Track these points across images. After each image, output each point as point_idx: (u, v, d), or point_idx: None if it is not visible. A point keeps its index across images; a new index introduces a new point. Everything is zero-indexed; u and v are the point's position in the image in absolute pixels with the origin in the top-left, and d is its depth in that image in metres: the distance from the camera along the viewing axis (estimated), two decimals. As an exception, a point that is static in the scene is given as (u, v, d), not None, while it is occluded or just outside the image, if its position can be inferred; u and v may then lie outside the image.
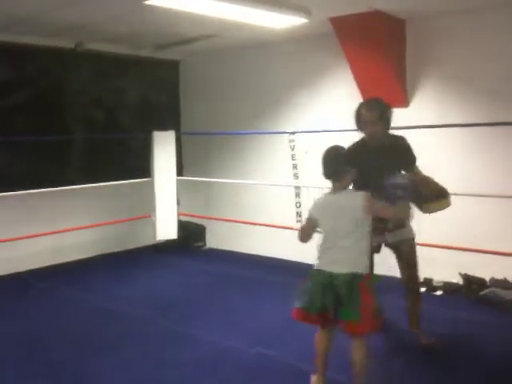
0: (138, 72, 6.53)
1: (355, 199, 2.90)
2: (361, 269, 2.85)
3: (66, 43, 5.64)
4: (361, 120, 3.58)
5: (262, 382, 3.23)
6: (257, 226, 5.99)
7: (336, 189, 2.97)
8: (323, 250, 2.94)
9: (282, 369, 3.36)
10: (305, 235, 3.04)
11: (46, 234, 5.56)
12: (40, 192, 5.47)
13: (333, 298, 2.80)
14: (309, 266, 5.53)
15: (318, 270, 2.92)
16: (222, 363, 3.46)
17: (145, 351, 3.66)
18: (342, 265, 2.85)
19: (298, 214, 5.27)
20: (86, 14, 4.55)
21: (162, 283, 5.29)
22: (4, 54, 5.39)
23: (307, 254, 5.61)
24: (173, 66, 6.87)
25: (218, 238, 6.67)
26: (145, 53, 6.29)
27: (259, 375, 3.30)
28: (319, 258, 2.95)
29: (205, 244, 6.80)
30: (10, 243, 5.29)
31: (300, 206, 5.26)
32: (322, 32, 5.11)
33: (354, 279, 2.80)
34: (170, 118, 6.77)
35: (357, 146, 3.61)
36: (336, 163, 2.98)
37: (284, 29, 4.88)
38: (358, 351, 2.84)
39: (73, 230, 5.78)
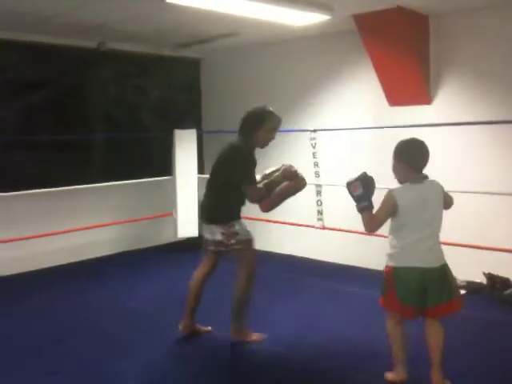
0: (160, 70, 6.58)
1: (437, 188, 2.98)
2: (444, 256, 2.95)
3: (89, 43, 5.70)
4: (276, 127, 3.69)
5: (279, 380, 3.22)
6: (276, 224, 5.98)
7: (419, 179, 2.95)
8: (408, 243, 2.87)
9: (301, 367, 3.35)
10: (379, 224, 2.95)
11: (67, 232, 5.62)
12: (62, 190, 5.55)
13: (426, 293, 2.84)
14: (329, 265, 5.59)
15: (407, 268, 2.86)
16: (240, 361, 3.48)
17: (164, 349, 3.68)
18: (432, 258, 2.89)
19: (319, 213, 5.26)
20: (107, 13, 4.59)
21: (183, 281, 5.28)
22: (27, 53, 5.47)
23: (328, 252, 5.68)
24: (194, 65, 6.89)
25: (239, 236, 6.68)
26: (166, 51, 6.32)
27: (277, 373, 3.29)
28: (403, 253, 2.88)
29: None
30: (32, 240, 5.37)
31: (321, 204, 5.24)
32: (343, 29, 5.08)
33: (444, 270, 2.89)
34: (191, 117, 6.80)
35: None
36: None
37: (305, 26, 4.86)
38: (438, 334, 2.93)
39: (95, 227, 5.85)
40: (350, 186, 3.00)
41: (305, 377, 3.25)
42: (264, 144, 3.70)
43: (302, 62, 5.87)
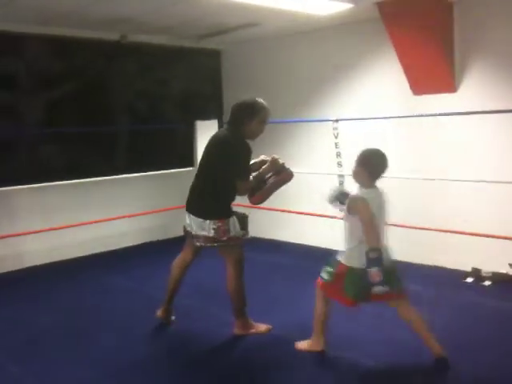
0: (181, 62, 6.59)
1: (384, 194, 3.25)
2: None
3: (111, 35, 5.74)
4: (268, 119, 3.66)
5: (302, 370, 3.23)
6: (299, 215, 5.97)
7: (374, 185, 3.24)
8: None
9: (323, 358, 3.35)
10: (376, 230, 3.11)
11: (93, 222, 5.70)
12: (86, 182, 5.62)
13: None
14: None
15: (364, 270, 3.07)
16: (262, 351, 3.49)
17: (187, 339, 3.73)
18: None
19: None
20: (129, 6, 4.61)
21: (204, 271, 5.32)
22: (50, 46, 5.52)
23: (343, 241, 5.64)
24: (215, 56, 6.89)
25: (261, 227, 6.67)
26: (187, 43, 6.33)
27: (300, 364, 3.30)
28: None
29: (247, 232, 6.81)
30: (56, 232, 5.45)
31: (344, 194, 5.20)
32: (366, 17, 5.01)
33: None
34: (212, 108, 6.80)
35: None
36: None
37: (328, 15, 4.82)
38: (410, 311, 3.19)
39: (119, 218, 5.91)
40: (371, 276, 3.02)
41: (327, 367, 3.27)
42: (255, 136, 3.67)
43: (324, 51, 5.83)
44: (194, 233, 3.63)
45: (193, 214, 3.61)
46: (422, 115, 4.89)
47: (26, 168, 5.46)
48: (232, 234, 3.60)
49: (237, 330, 3.73)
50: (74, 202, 5.70)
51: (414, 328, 3.19)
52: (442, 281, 4.79)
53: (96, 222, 5.68)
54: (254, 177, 3.66)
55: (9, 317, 4.14)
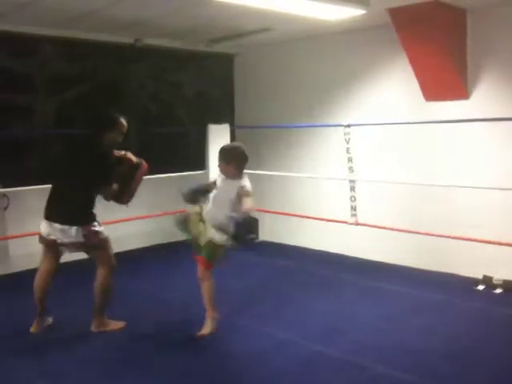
0: (194, 66, 6.62)
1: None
2: None
3: (125, 39, 5.79)
4: (124, 131, 3.82)
5: (314, 376, 3.23)
6: (309, 220, 5.98)
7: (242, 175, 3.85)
8: None
9: (335, 363, 3.35)
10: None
11: (108, 223, 5.68)
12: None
13: None
14: (362, 261, 5.57)
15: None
16: (275, 355, 3.48)
17: (200, 342, 3.72)
18: None
19: (353, 208, 5.23)
20: (144, 9, 4.65)
21: (215, 274, 5.35)
22: (65, 49, 5.57)
23: (361, 248, 5.65)
24: (227, 60, 6.92)
25: (271, 231, 6.71)
26: (200, 47, 6.36)
27: (312, 369, 3.30)
28: None
29: (257, 237, 6.85)
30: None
31: (355, 200, 5.21)
32: (378, 23, 5.03)
33: None
34: (224, 112, 6.83)
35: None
36: None
37: (340, 20, 4.83)
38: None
39: (132, 219, 5.95)
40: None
41: (339, 373, 3.25)
42: (114, 145, 3.80)
43: (336, 56, 5.84)
44: (59, 241, 3.69)
45: (58, 223, 3.65)
46: (433, 121, 4.90)
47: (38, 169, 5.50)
48: (102, 236, 3.75)
49: (95, 328, 3.85)
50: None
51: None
52: (453, 288, 4.78)
53: (111, 222, 5.69)
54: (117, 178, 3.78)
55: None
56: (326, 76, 5.97)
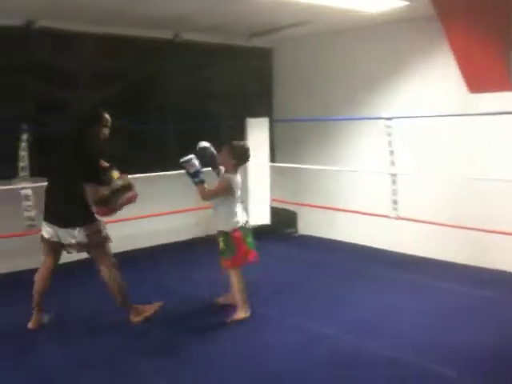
0: (232, 60, 6.62)
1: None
2: None
3: (164, 34, 5.84)
4: (108, 124, 3.85)
5: (352, 370, 3.21)
6: (349, 213, 5.94)
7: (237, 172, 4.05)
8: (237, 211, 3.98)
9: (375, 358, 3.33)
10: (213, 196, 3.97)
11: (145, 217, 5.80)
12: (140, 177, 5.73)
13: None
14: (402, 256, 5.50)
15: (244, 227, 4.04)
16: (312, 349, 3.48)
17: (234, 334, 3.76)
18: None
19: (394, 202, 5.16)
20: (182, 5, 4.68)
21: (252, 268, 5.37)
22: (105, 45, 5.63)
23: (402, 243, 5.58)
24: (266, 54, 6.90)
25: (310, 225, 6.69)
26: (239, 41, 6.37)
27: (350, 363, 3.28)
28: (238, 217, 3.97)
29: (296, 230, 6.84)
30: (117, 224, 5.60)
31: (396, 193, 5.14)
32: (420, 14, 4.92)
33: None
34: (262, 105, 6.81)
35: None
36: None
37: (381, 12, 4.75)
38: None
39: (168, 213, 6.03)
40: (186, 163, 3.80)
41: (378, 368, 3.22)
42: (100, 140, 3.81)
43: (376, 49, 5.75)
44: (65, 242, 3.69)
45: (58, 225, 3.65)
46: (477, 114, 4.77)
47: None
48: (103, 233, 3.75)
49: (133, 318, 3.90)
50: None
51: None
52: (498, 284, 4.66)
53: (147, 216, 5.80)
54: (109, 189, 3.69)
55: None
56: (366, 68, 5.89)
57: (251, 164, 6.27)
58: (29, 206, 4.67)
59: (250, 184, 6.33)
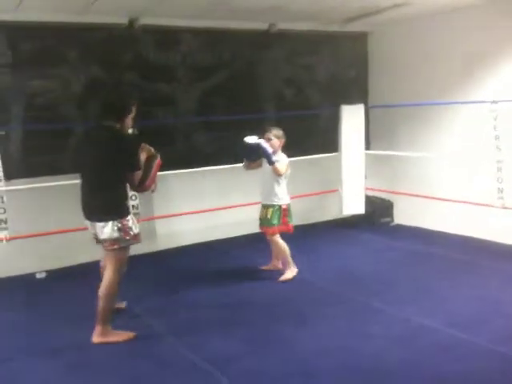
0: (327, 47, 6.57)
1: None
2: None
3: (259, 25, 5.90)
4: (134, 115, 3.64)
5: (459, 363, 3.09)
6: (448, 202, 5.69)
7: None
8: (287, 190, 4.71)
9: (481, 352, 3.19)
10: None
11: (235, 207, 5.93)
12: (234, 167, 5.86)
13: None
14: (508, 247, 5.19)
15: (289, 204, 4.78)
16: (412, 341, 3.40)
17: (334, 322, 3.75)
18: None
19: (500, 190, 4.87)
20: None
21: (348, 257, 5.33)
22: (203, 39, 5.81)
23: (508, 233, 5.26)
24: (361, 39, 6.76)
25: (406, 214, 6.49)
26: (334, 28, 6.29)
27: (456, 356, 3.16)
28: (287, 195, 4.69)
29: (392, 220, 6.67)
30: (203, 214, 5.82)
31: (502, 181, 4.85)
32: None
33: None
34: (357, 92, 6.70)
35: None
36: None
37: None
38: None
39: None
40: (263, 145, 4.39)
41: (486, 362, 3.08)
42: (128, 129, 3.66)
43: (478, 29, 5.41)
44: (101, 238, 3.50)
45: (92, 220, 3.51)
46: None
47: (181, 154, 5.83)
48: (133, 232, 3.50)
49: (95, 338, 3.50)
50: (220, 186, 6.01)
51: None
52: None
53: (237, 206, 5.91)
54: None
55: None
56: (467, 50, 5.57)
57: (345, 152, 6.21)
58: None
59: (344, 172, 6.26)
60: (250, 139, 4.44)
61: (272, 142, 4.53)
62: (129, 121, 3.60)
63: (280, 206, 4.59)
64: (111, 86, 5.22)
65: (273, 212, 4.57)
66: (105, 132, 3.49)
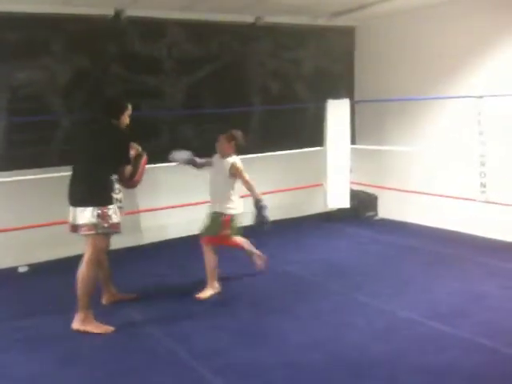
0: (314, 41, 6.58)
1: None
2: None
3: (246, 18, 5.89)
4: (130, 113, 3.88)
5: (436, 355, 3.14)
6: (432, 196, 5.76)
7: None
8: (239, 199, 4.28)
9: (463, 344, 3.24)
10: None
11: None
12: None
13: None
14: (490, 241, 5.27)
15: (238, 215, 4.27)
16: (396, 333, 3.43)
17: (319, 314, 3.78)
18: None
19: (483, 185, 4.94)
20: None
21: (333, 250, 5.37)
22: (189, 31, 5.78)
23: (491, 227, 5.34)
24: (348, 33, 6.78)
25: (391, 208, 6.55)
26: (320, 22, 6.30)
27: (433, 348, 3.21)
28: (239, 204, 4.25)
29: (377, 214, 6.73)
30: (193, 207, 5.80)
31: (485, 176, 4.92)
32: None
33: None
34: (343, 86, 6.73)
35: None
36: None
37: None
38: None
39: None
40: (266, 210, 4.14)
41: (467, 353, 3.13)
42: (124, 125, 3.85)
43: (464, 24, 5.47)
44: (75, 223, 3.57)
45: (74, 205, 3.58)
46: None
47: (167, 147, 5.80)
48: (113, 220, 3.57)
49: (75, 325, 3.56)
50: (205, 180, 5.93)
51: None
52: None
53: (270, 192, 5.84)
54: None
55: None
56: (454, 45, 5.63)
57: (331, 146, 6.24)
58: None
59: (328, 166, 6.29)
60: (179, 155, 4.33)
61: (219, 143, 4.22)
62: (125, 118, 3.82)
63: (222, 215, 4.15)
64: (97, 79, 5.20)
65: (212, 220, 4.19)
66: (105, 124, 3.73)
